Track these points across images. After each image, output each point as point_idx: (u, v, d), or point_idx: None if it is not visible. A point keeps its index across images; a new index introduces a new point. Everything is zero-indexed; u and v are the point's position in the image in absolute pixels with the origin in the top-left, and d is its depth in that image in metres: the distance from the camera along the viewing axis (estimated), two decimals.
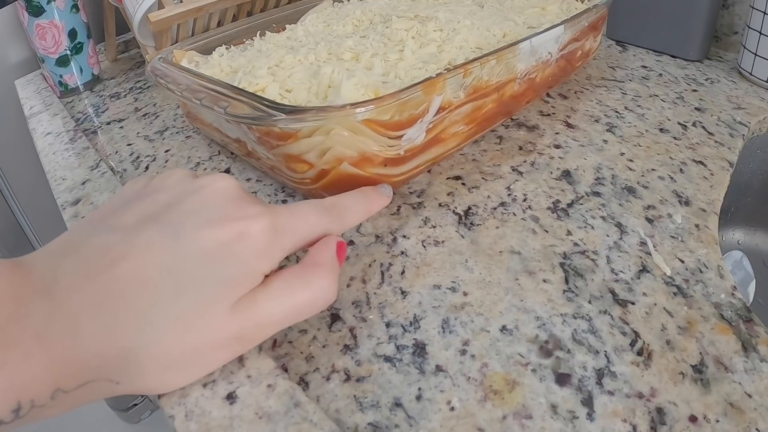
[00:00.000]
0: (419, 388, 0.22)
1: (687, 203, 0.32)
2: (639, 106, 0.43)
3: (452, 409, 0.22)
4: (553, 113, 0.43)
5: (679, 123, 0.40)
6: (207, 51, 0.41)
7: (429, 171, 0.36)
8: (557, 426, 0.21)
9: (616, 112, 0.42)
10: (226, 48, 0.42)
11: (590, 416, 0.21)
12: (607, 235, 0.30)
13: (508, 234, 0.30)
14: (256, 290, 0.21)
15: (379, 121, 0.28)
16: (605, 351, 0.24)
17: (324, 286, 0.22)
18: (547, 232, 0.30)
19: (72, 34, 0.54)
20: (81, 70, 0.56)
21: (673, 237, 0.30)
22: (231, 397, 0.22)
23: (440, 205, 0.33)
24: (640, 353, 0.23)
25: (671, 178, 0.34)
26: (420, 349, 0.24)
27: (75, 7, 0.54)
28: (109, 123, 0.49)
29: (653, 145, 0.38)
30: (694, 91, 0.45)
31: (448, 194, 0.34)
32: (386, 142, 0.29)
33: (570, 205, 0.33)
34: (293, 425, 0.21)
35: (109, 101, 0.53)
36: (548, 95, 0.46)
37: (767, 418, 0.21)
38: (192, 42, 0.42)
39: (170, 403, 0.21)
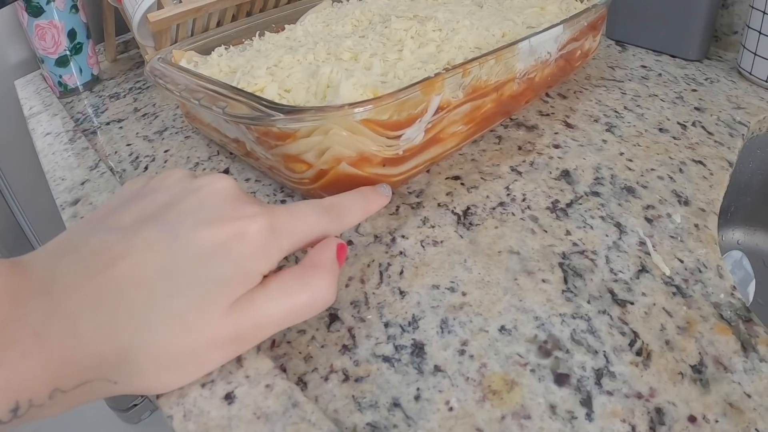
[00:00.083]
0: (418, 388, 0.22)
1: (686, 203, 0.32)
2: (638, 105, 0.43)
3: (451, 409, 0.22)
4: (553, 113, 0.43)
5: (678, 123, 0.40)
6: (206, 51, 0.41)
7: (428, 171, 0.36)
8: (556, 426, 0.21)
9: (616, 111, 0.42)
10: (225, 48, 0.42)
11: (589, 416, 0.21)
12: (606, 235, 0.30)
13: (507, 234, 0.30)
14: (254, 291, 0.21)
15: (378, 121, 0.28)
16: (604, 351, 0.24)
17: (323, 288, 0.22)
18: (546, 232, 0.30)
19: (71, 35, 0.54)
20: (80, 70, 0.56)
21: (672, 237, 0.30)
22: (229, 397, 0.22)
23: (439, 205, 0.33)
24: (639, 353, 0.23)
25: (670, 177, 0.34)
26: (418, 349, 0.24)
27: (74, 7, 0.54)
28: (108, 123, 0.49)
29: (652, 144, 0.38)
30: (694, 90, 0.45)
31: (447, 194, 0.34)
32: (385, 142, 0.29)
33: (569, 205, 0.32)
34: (291, 425, 0.21)
35: (108, 101, 0.53)
36: (547, 95, 0.46)
37: (766, 418, 0.21)
38: (191, 42, 0.42)
39: (169, 403, 0.21)
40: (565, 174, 0.35)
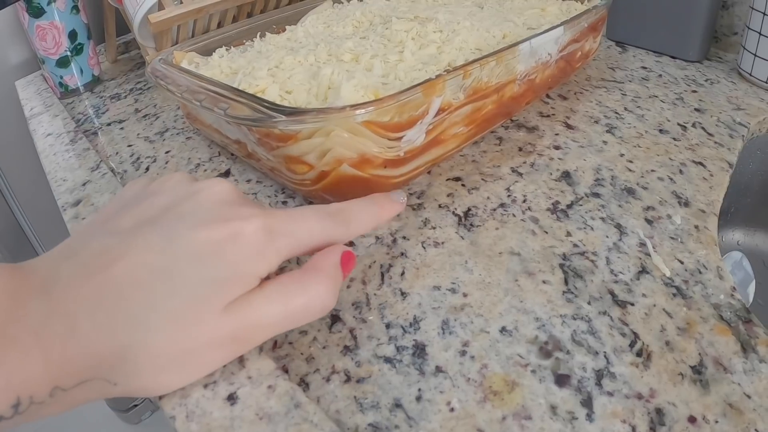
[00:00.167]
0: (419, 389, 0.22)
1: (686, 204, 0.32)
2: (638, 107, 0.43)
3: (452, 409, 0.22)
4: (553, 114, 0.43)
5: (678, 124, 0.40)
6: (207, 52, 0.41)
7: (429, 172, 0.36)
8: (556, 427, 0.21)
9: (616, 113, 0.42)
10: (226, 49, 0.42)
11: (589, 417, 0.21)
12: (607, 236, 0.30)
13: (508, 235, 0.30)
14: (252, 292, 0.21)
15: (379, 123, 0.29)
16: (605, 352, 0.24)
17: (320, 292, 0.22)
18: (546, 233, 0.31)
19: (72, 35, 0.54)
20: (81, 71, 0.56)
21: (672, 238, 0.30)
22: (232, 398, 0.22)
23: (440, 206, 0.33)
24: (639, 354, 0.23)
25: (671, 179, 0.34)
26: (420, 350, 0.24)
27: (75, 8, 0.54)
28: (109, 124, 0.49)
29: (653, 146, 0.38)
30: (694, 92, 0.45)
31: (448, 195, 0.34)
32: (386, 144, 0.30)
33: (569, 206, 0.33)
34: (294, 426, 0.21)
35: (109, 102, 0.53)
36: (548, 96, 0.46)
37: (766, 418, 0.21)
38: (192, 43, 0.42)
39: (171, 403, 0.21)
40: (566, 175, 0.35)
